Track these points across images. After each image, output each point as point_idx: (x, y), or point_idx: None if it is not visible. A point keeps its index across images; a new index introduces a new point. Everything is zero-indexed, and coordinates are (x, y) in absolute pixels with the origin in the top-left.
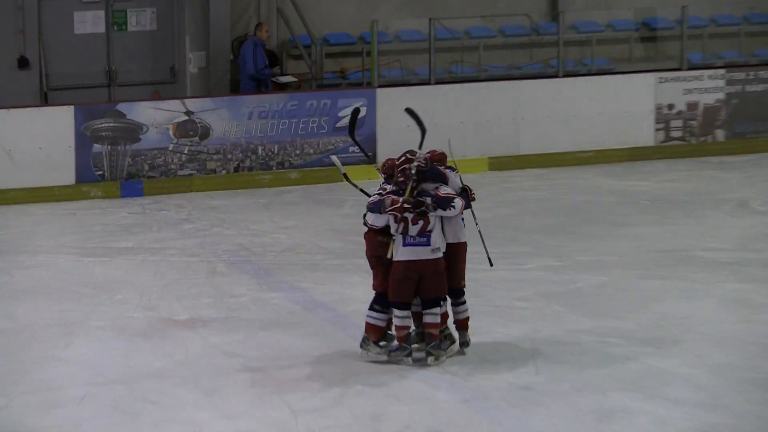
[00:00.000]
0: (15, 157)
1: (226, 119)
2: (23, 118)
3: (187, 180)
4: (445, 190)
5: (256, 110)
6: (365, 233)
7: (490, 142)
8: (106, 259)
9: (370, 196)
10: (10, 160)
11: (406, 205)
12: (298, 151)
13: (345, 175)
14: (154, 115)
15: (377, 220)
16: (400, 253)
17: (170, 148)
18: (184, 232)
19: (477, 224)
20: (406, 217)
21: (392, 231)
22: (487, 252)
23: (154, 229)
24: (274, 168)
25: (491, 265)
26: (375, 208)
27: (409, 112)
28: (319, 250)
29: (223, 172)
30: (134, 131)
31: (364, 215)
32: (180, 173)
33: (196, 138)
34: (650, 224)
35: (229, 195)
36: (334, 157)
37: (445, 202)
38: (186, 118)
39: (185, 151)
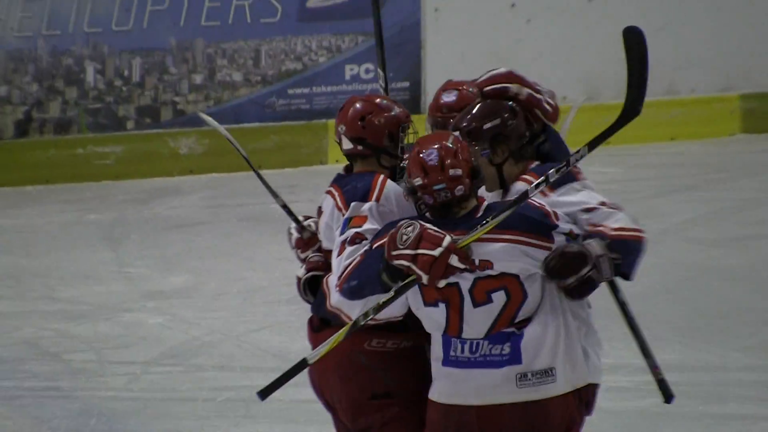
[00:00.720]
0: None
1: None
2: None
3: None
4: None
5: None
6: (314, 329)
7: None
8: None
9: (296, 219)
10: None
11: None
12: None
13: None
14: None
15: (391, 309)
16: (433, 381)
17: None
18: None
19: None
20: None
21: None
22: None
23: None
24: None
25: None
26: (367, 269)
27: None
28: None
29: None
30: None
31: (303, 283)
32: None
33: None
34: None
35: None
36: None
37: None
38: None
39: None
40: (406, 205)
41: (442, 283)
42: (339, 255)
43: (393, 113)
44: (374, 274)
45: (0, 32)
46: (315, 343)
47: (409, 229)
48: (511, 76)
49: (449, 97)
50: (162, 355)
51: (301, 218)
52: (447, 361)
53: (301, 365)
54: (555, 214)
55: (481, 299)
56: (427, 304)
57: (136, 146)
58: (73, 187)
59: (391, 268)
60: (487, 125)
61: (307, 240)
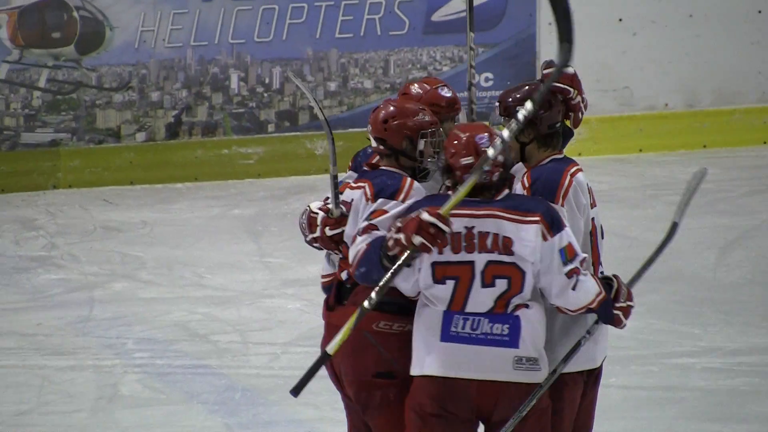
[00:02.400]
0: None
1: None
2: None
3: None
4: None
5: None
6: (331, 304)
7: None
8: None
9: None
10: None
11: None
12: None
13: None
14: None
15: (404, 278)
16: (424, 357)
17: None
18: None
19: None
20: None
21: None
22: None
23: None
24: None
25: None
26: (370, 256)
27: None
28: None
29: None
30: None
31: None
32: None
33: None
34: None
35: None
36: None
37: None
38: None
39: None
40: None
41: (416, 240)
42: (352, 242)
43: (416, 119)
44: (376, 260)
45: (152, 43)
46: (328, 320)
47: (398, 223)
48: (574, 80)
49: (448, 93)
50: (300, 337)
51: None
52: (447, 336)
53: (324, 358)
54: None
55: (488, 281)
56: (436, 281)
57: (276, 147)
58: (219, 184)
59: (388, 255)
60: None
61: (337, 219)
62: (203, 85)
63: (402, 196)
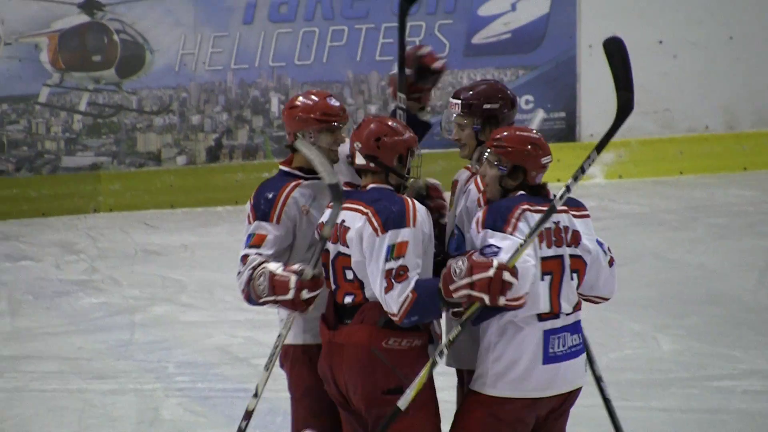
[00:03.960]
0: None
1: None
2: None
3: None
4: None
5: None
6: (331, 323)
7: None
8: None
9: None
10: None
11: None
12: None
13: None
14: None
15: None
16: (524, 380)
17: (40, 99)
18: None
19: None
20: None
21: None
22: None
23: None
24: None
25: None
26: (425, 306)
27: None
28: None
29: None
30: None
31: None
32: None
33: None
34: None
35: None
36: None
37: None
38: (84, 17)
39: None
40: (430, 225)
41: (501, 301)
42: (388, 289)
43: (404, 137)
44: (435, 309)
45: (193, 66)
46: (330, 339)
47: (459, 263)
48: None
49: (337, 102)
50: None
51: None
52: (547, 359)
53: (396, 413)
54: None
55: (571, 276)
56: (541, 277)
57: None
58: None
59: (450, 302)
60: (487, 106)
61: (314, 281)
62: (243, 108)
63: (412, 222)
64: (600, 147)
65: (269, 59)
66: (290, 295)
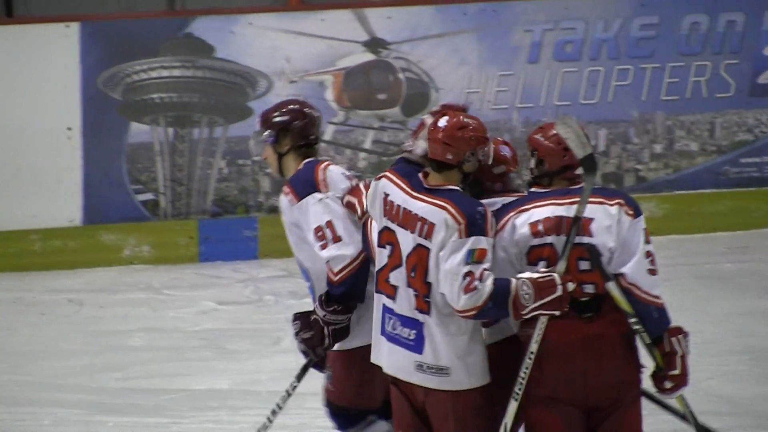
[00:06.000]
0: None
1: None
2: None
3: None
4: None
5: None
6: (588, 315)
7: None
8: None
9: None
10: None
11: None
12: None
13: None
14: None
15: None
16: None
17: (325, 137)
18: None
19: None
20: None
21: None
22: None
23: None
24: None
25: None
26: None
27: None
28: None
29: None
30: (240, 91)
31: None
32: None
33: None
34: None
35: None
36: None
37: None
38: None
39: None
40: None
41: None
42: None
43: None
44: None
45: (478, 105)
46: (587, 332)
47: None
48: None
49: None
50: None
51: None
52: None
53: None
54: None
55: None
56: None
57: None
58: None
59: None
60: (277, 118)
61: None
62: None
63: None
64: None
65: (554, 98)
66: (559, 291)
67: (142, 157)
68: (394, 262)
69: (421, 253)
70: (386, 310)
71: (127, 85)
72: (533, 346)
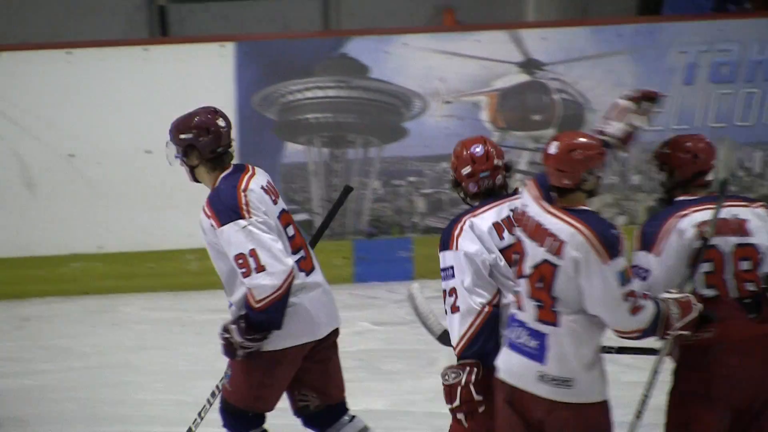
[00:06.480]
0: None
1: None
2: None
3: None
4: None
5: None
6: (762, 315)
7: None
8: None
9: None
10: None
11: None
12: None
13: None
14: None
15: None
16: None
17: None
18: None
19: None
20: None
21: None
22: None
23: None
24: None
25: None
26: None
27: None
28: None
29: None
30: (395, 111)
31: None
32: None
33: (551, 131)
34: None
35: None
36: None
37: None
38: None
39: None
40: None
41: None
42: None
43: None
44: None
45: None
46: (755, 332)
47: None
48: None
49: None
50: None
51: None
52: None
53: None
54: None
55: None
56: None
57: None
58: None
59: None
60: (182, 136)
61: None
62: None
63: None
64: None
65: (709, 120)
66: (695, 312)
67: (297, 177)
68: (520, 272)
69: (547, 267)
70: (512, 318)
71: (282, 105)
72: (657, 365)
